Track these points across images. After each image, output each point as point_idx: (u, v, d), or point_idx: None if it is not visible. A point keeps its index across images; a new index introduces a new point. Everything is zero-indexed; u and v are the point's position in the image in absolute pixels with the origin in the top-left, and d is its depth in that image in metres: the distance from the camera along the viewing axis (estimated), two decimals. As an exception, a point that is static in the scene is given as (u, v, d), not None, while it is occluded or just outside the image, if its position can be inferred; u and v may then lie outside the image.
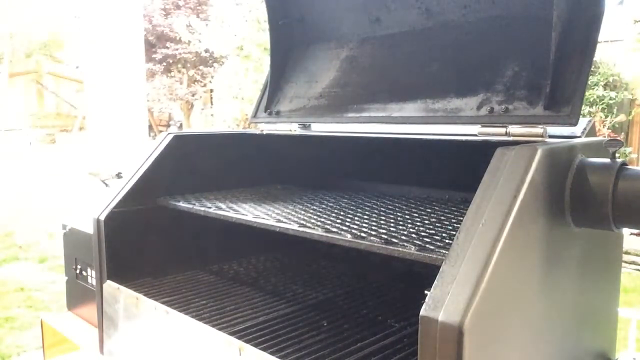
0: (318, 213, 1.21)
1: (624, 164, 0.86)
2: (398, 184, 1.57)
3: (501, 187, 0.76)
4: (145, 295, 1.29)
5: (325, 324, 1.22)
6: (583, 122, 1.13)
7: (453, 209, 1.26)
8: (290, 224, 1.09)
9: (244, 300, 1.36)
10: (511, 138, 1.05)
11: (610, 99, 7.72)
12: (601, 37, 1.00)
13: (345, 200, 1.42)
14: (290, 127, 1.60)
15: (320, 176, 1.75)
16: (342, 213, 1.21)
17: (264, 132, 1.66)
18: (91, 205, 1.50)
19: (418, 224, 1.07)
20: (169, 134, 1.51)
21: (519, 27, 1.13)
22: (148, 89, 13.07)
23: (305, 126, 1.60)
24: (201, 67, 14.86)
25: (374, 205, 1.32)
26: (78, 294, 1.86)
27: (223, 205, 1.33)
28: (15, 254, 5.78)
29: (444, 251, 0.81)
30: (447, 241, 0.90)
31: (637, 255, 5.40)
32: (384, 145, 1.53)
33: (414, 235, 0.96)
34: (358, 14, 1.44)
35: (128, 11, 3.55)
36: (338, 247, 1.50)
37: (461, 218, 1.13)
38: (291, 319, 1.24)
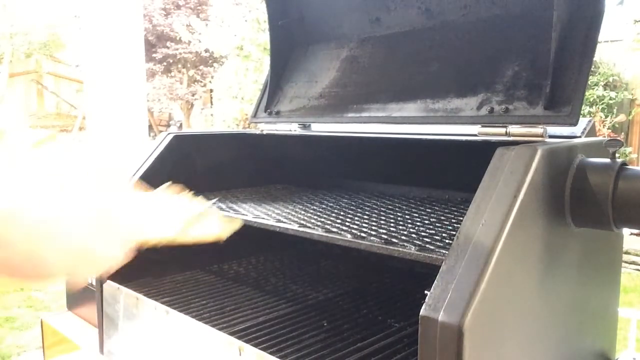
0: (318, 213, 1.21)
1: (624, 164, 0.86)
2: (398, 184, 1.57)
3: (501, 187, 0.76)
4: (145, 295, 1.29)
5: (325, 324, 1.22)
6: (583, 122, 1.13)
7: (453, 209, 1.26)
8: (290, 224, 1.09)
9: (244, 300, 1.36)
10: (511, 138, 1.05)
11: (610, 99, 7.72)
12: (601, 37, 1.00)
13: (345, 200, 1.42)
14: (290, 127, 1.60)
15: (320, 176, 1.75)
16: (342, 213, 1.21)
17: (264, 132, 1.66)
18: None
19: (418, 224, 1.07)
20: (169, 134, 1.51)
21: (519, 27, 1.13)
22: (148, 89, 13.08)
23: (305, 126, 1.60)
24: (201, 67, 14.85)
25: (374, 205, 1.32)
26: (78, 294, 1.86)
27: (223, 205, 1.33)
28: (15, 254, 5.77)
29: (444, 251, 0.81)
30: (447, 241, 0.90)
31: (637, 255, 5.40)
32: (384, 145, 1.53)
33: (414, 235, 0.96)
34: (358, 14, 1.44)
35: (128, 11, 3.55)
36: (338, 247, 1.50)
37: (461, 218, 1.13)
38: (291, 319, 1.24)
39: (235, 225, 0.80)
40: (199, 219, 0.74)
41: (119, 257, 0.61)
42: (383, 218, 1.14)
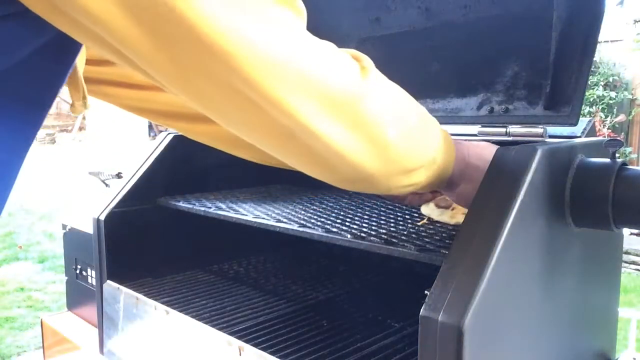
0: (318, 213, 1.21)
1: (624, 164, 0.86)
2: (398, 184, 1.57)
3: (501, 187, 0.76)
4: (145, 295, 1.29)
5: (325, 324, 1.22)
6: (583, 122, 1.13)
7: (453, 209, 1.26)
8: (290, 224, 1.09)
9: (244, 300, 1.36)
10: (511, 138, 1.05)
11: (610, 99, 7.73)
12: (601, 37, 1.00)
13: (345, 200, 1.42)
14: (290, 127, 1.59)
15: (320, 176, 1.75)
16: (342, 213, 1.21)
17: (264, 132, 1.65)
18: (91, 205, 1.50)
19: (418, 224, 1.07)
20: (169, 134, 1.51)
21: (519, 27, 1.13)
22: (148, 89, 13.03)
23: (305, 126, 1.59)
24: (201, 67, 14.84)
25: (374, 205, 1.32)
26: (78, 294, 1.86)
27: (223, 205, 1.33)
28: (15, 254, 5.78)
29: (444, 251, 0.81)
30: (447, 241, 0.90)
31: (637, 255, 5.41)
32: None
33: (414, 236, 0.96)
34: (358, 14, 1.44)
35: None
36: (338, 247, 1.50)
37: (461, 218, 1.13)
38: (291, 319, 1.25)
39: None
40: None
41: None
42: (383, 218, 1.14)
